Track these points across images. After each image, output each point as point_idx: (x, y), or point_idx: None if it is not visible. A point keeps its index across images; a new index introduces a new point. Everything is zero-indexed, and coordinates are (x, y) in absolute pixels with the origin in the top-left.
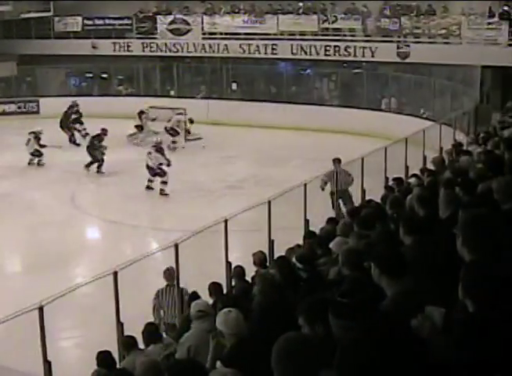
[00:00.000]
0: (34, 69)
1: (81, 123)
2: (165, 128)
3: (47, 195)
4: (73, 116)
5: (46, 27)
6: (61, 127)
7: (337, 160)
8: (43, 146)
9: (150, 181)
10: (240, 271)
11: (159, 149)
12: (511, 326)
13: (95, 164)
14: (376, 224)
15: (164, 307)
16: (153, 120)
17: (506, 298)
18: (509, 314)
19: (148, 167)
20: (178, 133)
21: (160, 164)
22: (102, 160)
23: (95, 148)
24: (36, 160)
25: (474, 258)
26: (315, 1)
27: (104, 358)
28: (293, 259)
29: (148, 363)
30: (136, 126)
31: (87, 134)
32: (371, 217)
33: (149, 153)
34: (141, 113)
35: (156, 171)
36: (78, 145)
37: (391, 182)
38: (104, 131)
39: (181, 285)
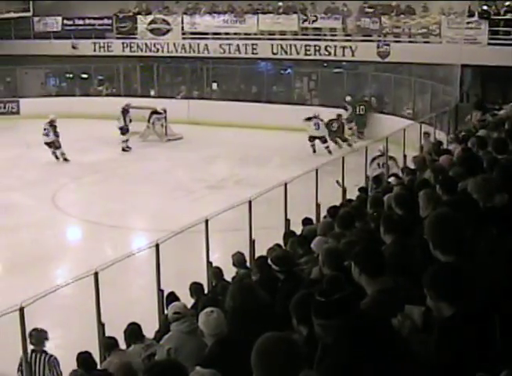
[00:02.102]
0: (14, 69)
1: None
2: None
3: (27, 196)
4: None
5: (26, 27)
6: None
7: (426, 134)
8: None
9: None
10: (218, 271)
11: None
12: (488, 325)
13: None
14: (356, 223)
15: None
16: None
17: (479, 297)
18: (484, 314)
19: None
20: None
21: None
22: None
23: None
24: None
25: (449, 259)
26: (295, 0)
27: (84, 359)
28: (269, 261)
29: (120, 365)
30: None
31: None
32: (350, 216)
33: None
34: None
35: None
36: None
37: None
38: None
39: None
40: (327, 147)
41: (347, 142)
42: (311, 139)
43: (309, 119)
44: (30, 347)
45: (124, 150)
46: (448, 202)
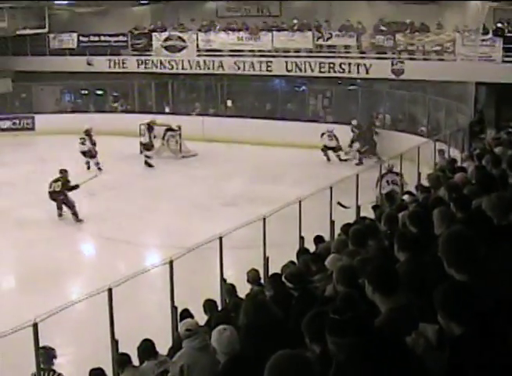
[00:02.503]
0: (30, 85)
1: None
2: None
3: (42, 211)
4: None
5: (41, 43)
6: None
7: (441, 152)
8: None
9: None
10: (230, 288)
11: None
12: (502, 343)
13: None
14: (370, 241)
15: None
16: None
17: (490, 317)
18: (498, 332)
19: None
20: None
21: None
22: None
23: None
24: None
25: (463, 278)
26: (310, 3)
27: (97, 375)
28: (283, 278)
29: None
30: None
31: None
32: (364, 234)
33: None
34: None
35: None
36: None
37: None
38: None
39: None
40: (338, 156)
41: (376, 155)
42: (325, 148)
43: (323, 134)
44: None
45: (149, 165)
46: (462, 220)
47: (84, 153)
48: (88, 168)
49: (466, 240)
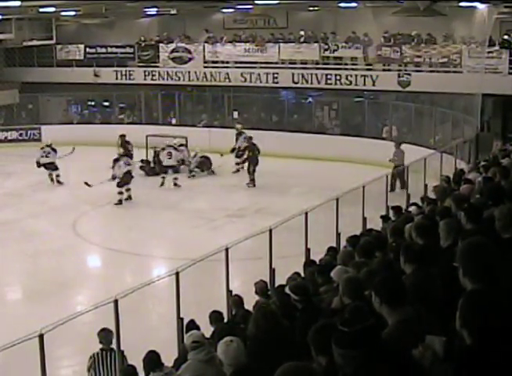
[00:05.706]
0: (36, 97)
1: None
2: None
3: (48, 222)
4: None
5: (48, 55)
6: None
7: (397, 145)
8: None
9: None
10: (238, 300)
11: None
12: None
13: None
14: (377, 253)
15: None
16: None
17: (504, 330)
18: (506, 347)
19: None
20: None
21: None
22: None
23: None
24: (54, 174)
25: (476, 287)
26: (317, 15)
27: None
28: (287, 290)
29: None
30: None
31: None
32: (371, 246)
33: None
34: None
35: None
36: None
37: (391, 213)
38: None
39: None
40: None
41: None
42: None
43: None
44: (99, 346)
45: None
46: (472, 231)
47: (45, 165)
48: (52, 180)
49: (487, 250)
